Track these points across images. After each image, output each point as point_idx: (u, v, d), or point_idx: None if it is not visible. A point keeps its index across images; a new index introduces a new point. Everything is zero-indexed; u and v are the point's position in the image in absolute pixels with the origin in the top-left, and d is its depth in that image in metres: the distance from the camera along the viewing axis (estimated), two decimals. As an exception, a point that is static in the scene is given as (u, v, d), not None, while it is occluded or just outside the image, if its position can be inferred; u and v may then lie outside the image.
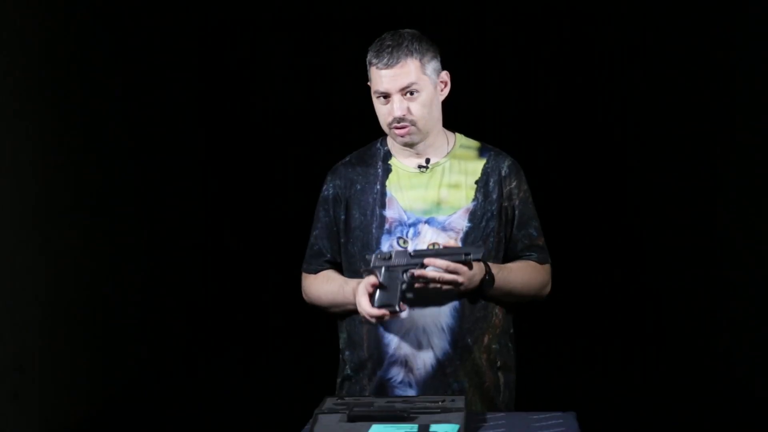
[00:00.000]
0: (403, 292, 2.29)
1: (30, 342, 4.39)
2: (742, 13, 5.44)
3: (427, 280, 2.27)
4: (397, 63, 2.34)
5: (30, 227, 4.41)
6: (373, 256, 2.32)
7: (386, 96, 2.36)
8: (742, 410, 4.99)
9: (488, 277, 2.34)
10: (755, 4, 5.23)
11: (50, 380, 4.56)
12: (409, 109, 2.36)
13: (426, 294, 2.32)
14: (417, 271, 2.27)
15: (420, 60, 2.35)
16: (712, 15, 5.83)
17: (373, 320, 2.29)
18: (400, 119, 2.36)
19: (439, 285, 2.27)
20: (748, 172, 5.33)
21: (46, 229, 4.58)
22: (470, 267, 2.27)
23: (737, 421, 4.85)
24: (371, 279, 2.29)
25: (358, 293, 2.30)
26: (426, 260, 2.26)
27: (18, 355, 4.27)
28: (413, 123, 2.37)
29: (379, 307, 2.27)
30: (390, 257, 2.29)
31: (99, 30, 5.33)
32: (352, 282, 2.39)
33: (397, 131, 2.38)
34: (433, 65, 2.38)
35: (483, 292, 2.37)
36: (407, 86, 2.34)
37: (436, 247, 2.36)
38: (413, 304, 2.35)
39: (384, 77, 2.34)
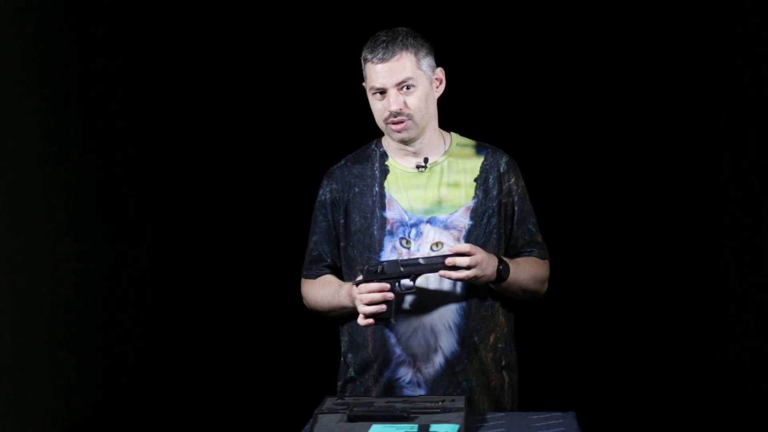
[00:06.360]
0: (397, 304, 2.30)
1: (30, 342, 4.39)
2: (744, 13, 5.43)
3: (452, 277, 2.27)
4: (392, 57, 2.33)
5: (30, 227, 4.40)
6: (365, 268, 2.31)
7: (382, 92, 2.35)
8: (742, 410, 4.99)
9: (502, 266, 2.33)
10: (757, 4, 5.22)
11: (50, 380, 4.56)
12: (405, 103, 2.34)
13: (432, 293, 2.34)
14: (442, 272, 2.26)
15: (415, 54, 2.35)
16: (715, 14, 5.82)
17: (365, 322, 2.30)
18: (397, 113, 2.34)
19: (463, 276, 2.26)
20: (751, 173, 5.33)
21: (46, 229, 4.57)
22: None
23: (738, 420, 4.85)
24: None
25: (356, 302, 2.31)
26: (420, 277, 2.28)
27: (18, 355, 4.26)
28: (410, 117, 2.35)
29: (376, 321, 2.28)
30: (381, 270, 2.28)
31: (99, 29, 5.33)
32: (346, 285, 2.39)
33: (394, 126, 2.37)
34: (428, 61, 2.38)
35: (501, 280, 2.34)
36: (403, 81, 2.33)
37: (440, 246, 2.35)
38: (419, 303, 2.36)
39: (380, 72, 2.33)
